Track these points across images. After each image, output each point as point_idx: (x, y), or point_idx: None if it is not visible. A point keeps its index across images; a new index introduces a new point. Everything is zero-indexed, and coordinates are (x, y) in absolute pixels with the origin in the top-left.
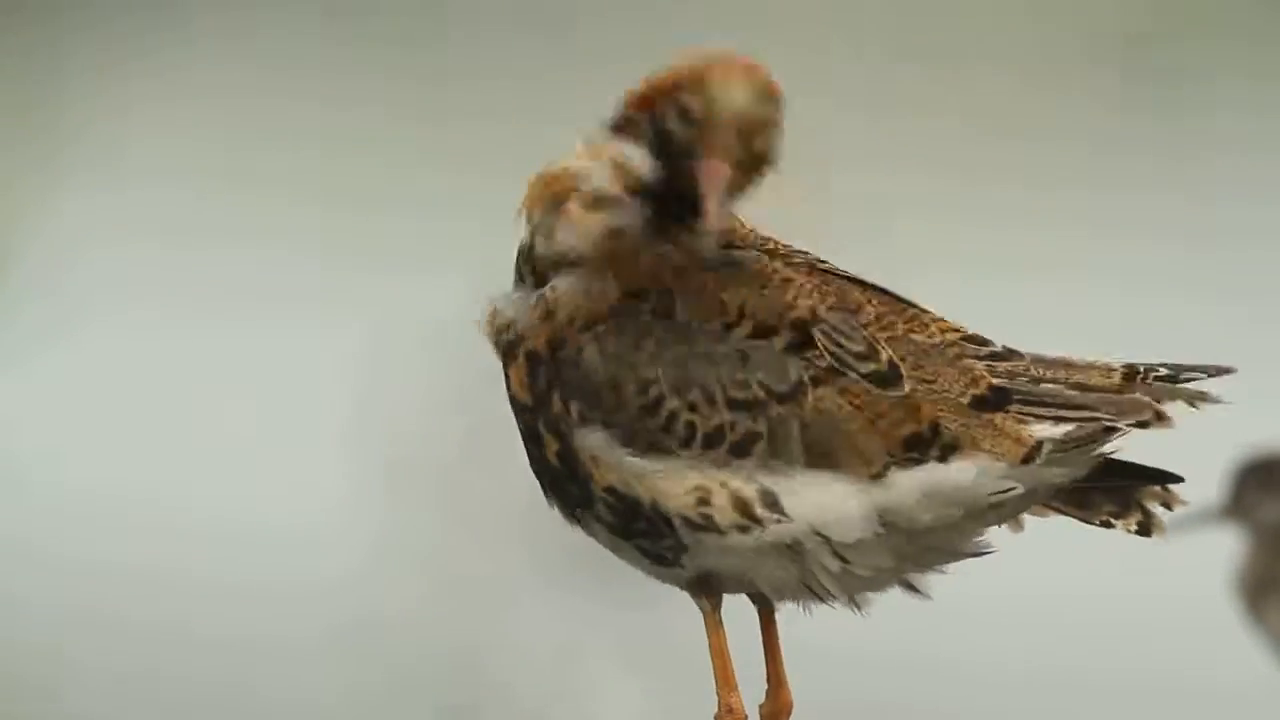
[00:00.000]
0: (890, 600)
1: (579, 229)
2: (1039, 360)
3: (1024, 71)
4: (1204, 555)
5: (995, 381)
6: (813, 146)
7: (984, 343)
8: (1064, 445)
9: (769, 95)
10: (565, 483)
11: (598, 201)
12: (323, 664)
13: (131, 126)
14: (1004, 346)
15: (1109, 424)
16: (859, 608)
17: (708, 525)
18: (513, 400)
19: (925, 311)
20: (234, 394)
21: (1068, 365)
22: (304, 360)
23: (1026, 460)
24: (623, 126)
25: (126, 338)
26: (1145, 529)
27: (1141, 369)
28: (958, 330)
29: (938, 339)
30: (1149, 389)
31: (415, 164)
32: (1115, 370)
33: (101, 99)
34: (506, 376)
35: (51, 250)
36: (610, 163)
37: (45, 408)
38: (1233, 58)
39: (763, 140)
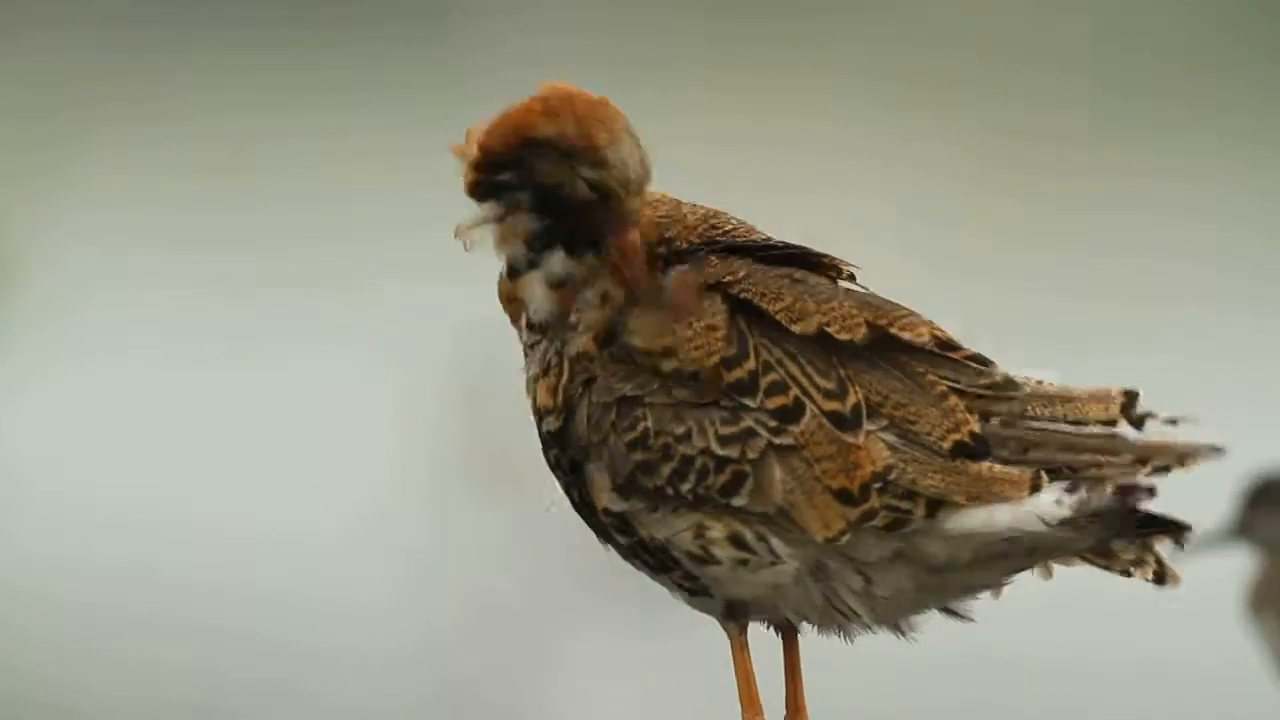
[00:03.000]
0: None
1: (534, 301)
2: (1037, 396)
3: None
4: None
5: (978, 429)
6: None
7: (984, 363)
8: (1080, 512)
9: (637, 137)
10: (588, 514)
11: (512, 271)
12: (360, 674)
13: (136, 146)
14: (1004, 376)
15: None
16: (903, 633)
17: (708, 559)
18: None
19: (915, 314)
20: (271, 414)
21: (1066, 400)
22: (343, 375)
23: (1035, 489)
24: (489, 190)
25: (151, 357)
26: (1160, 578)
27: (1138, 398)
28: (958, 348)
29: (928, 340)
30: (1140, 448)
31: (438, 162)
32: (1115, 400)
33: (107, 121)
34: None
35: (68, 270)
36: (497, 229)
37: (75, 425)
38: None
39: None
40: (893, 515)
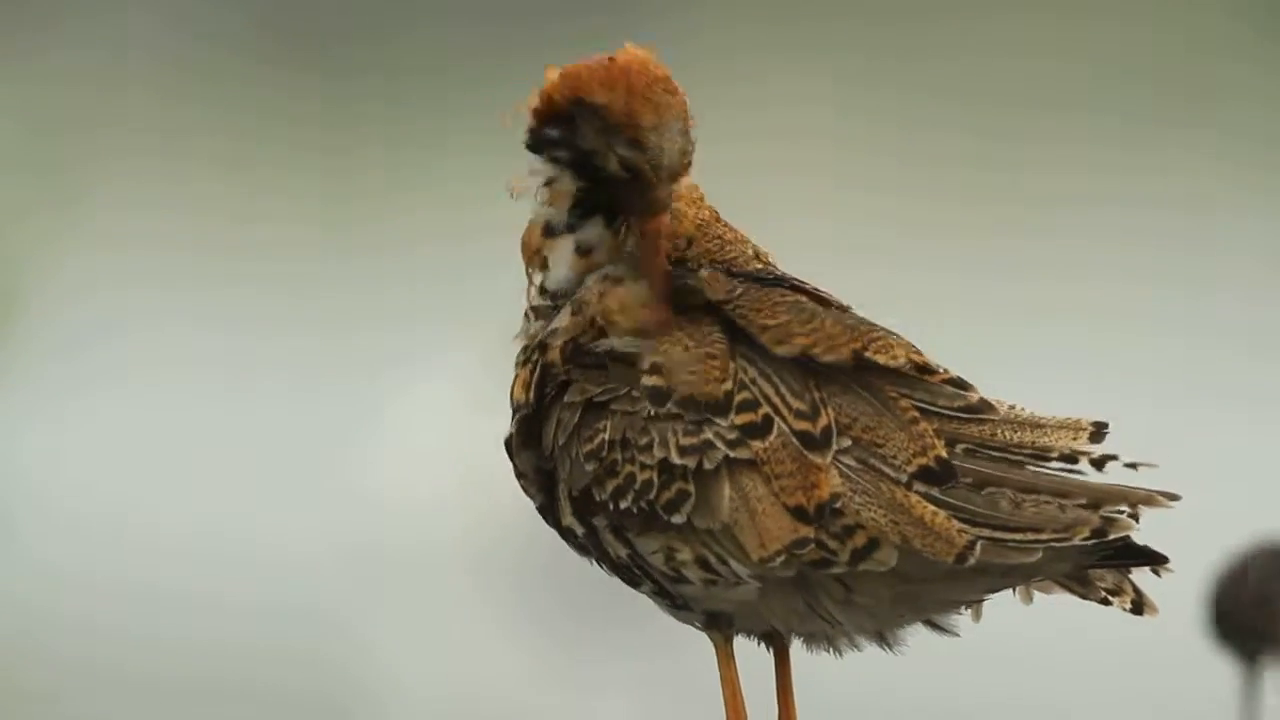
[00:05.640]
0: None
1: (558, 265)
2: (1008, 422)
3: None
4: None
5: (944, 454)
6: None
7: (962, 386)
8: (1003, 556)
9: (688, 118)
10: (553, 523)
11: (549, 229)
12: (357, 688)
13: (146, 179)
14: (980, 399)
15: (1055, 545)
16: (888, 645)
17: (680, 579)
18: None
19: (893, 335)
20: (276, 448)
21: (1036, 427)
22: (345, 415)
23: (961, 560)
24: (540, 143)
25: (161, 387)
26: (1138, 608)
27: (1108, 429)
28: (935, 372)
29: (904, 364)
30: (1098, 492)
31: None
32: (1083, 430)
33: (116, 156)
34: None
35: (79, 297)
36: (546, 189)
37: (82, 451)
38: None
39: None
40: (821, 553)
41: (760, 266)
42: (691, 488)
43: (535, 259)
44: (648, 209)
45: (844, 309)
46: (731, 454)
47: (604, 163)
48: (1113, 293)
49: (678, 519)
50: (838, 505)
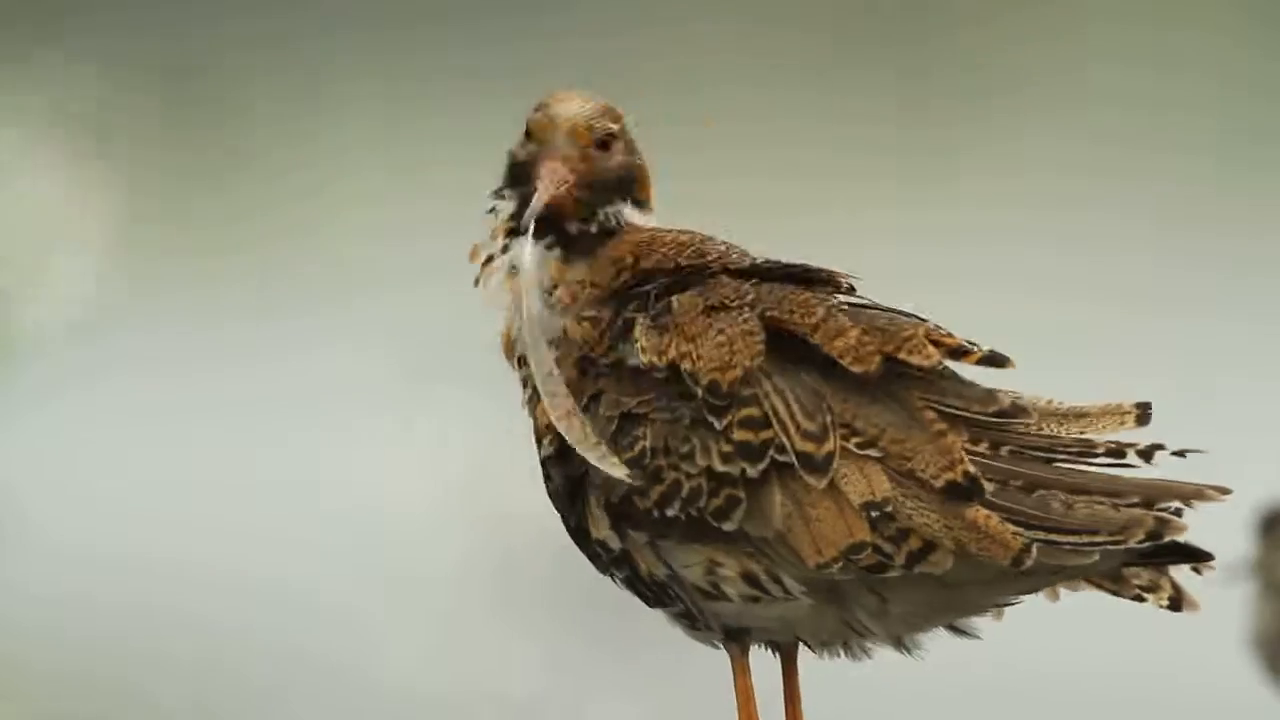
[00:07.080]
0: (906, 669)
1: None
2: (1051, 414)
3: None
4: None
5: (972, 470)
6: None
7: (1000, 363)
8: (1058, 556)
9: (605, 111)
10: (583, 542)
11: (487, 263)
12: (359, 688)
13: (150, 186)
14: (1013, 401)
15: (1110, 547)
16: (908, 650)
17: (718, 595)
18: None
19: (919, 325)
20: (280, 463)
21: (1080, 416)
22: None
23: (1017, 563)
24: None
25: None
26: (1175, 604)
27: (1151, 410)
28: (970, 351)
29: (936, 362)
30: (1149, 489)
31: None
32: (1128, 415)
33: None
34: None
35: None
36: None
37: (81, 458)
38: None
39: (601, 145)
40: (877, 557)
41: (754, 258)
42: (742, 493)
43: (509, 350)
44: (546, 155)
45: (853, 290)
46: (780, 458)
47: (519, 148)
48: (1126, 268)
49: (728, 526)
50: (889, 509)
